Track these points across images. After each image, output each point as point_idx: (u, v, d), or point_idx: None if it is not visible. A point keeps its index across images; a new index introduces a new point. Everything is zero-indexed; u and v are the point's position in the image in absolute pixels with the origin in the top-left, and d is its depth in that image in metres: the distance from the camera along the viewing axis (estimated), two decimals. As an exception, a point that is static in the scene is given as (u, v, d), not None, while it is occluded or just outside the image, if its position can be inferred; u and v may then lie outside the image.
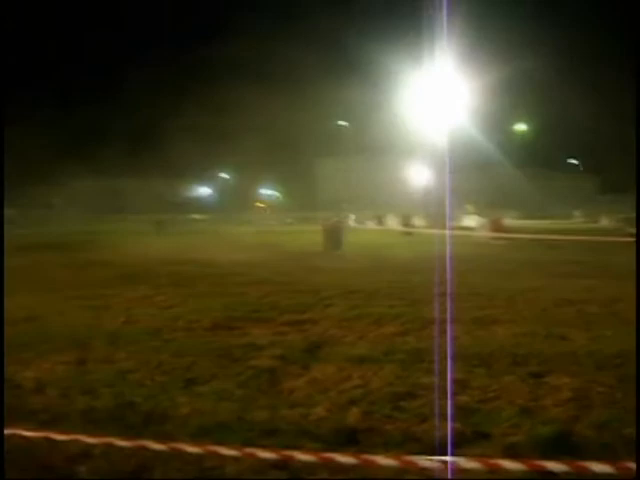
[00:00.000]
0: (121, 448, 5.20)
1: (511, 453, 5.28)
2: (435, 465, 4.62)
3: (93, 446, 5.44)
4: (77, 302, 14.25)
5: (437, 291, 13.22)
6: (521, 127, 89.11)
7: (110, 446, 5.27)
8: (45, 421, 6.44)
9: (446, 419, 6.15)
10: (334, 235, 32.10)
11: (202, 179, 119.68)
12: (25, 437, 5.49)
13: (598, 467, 4.28)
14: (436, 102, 44.52)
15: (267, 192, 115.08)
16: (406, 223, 46.97)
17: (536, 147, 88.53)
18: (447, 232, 31.04)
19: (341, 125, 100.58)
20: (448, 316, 11.09)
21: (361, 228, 48.01)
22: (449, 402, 6.68)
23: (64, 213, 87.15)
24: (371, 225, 54.84)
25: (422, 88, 48.12)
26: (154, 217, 57.39)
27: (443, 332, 9.85)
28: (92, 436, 5.24)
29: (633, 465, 4.33)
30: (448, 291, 13.18)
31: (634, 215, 57.15)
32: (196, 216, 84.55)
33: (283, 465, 5.12)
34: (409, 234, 43.60)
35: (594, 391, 7.19)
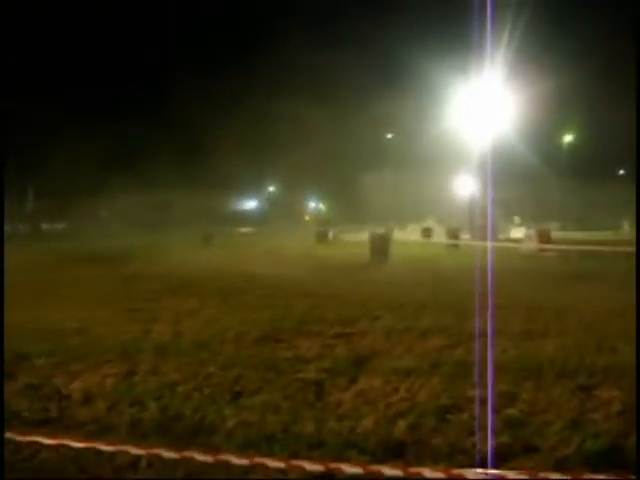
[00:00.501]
0: (168, 459, 5.22)
1: (560, 467, 5.22)
2: (483, 478, 4.58)
3: (140, 457, 5.48)
4: (126, 314, 14.36)
5: (484, 304, 13.14)
6: (568, 138, 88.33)
7: (157, 457, 5.30)
8: (93, 432, 6.50)
9: (493, 432, 6.10)
10: (380, 247, 32.09)
11: (249, 192, 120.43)
12: (73, 448, 5.54)
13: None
14: (483, 114, 44.34)
15: (313, 205, 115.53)
16: (452, 235, 46.76)
17: (584, 158, 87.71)
18: (493, 244, 30.86)
19: (388, 137, 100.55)
20: (495, 329, 11.03)
21: (407, 240, 47.82)
22: (496, 415, 6.63)
23: (112, 226, 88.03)
24: (417, 237, 54.70)
25: (470, 100, 47.96)
26: (202, 230, 57.68)
27: (490, 345, 9.79)
28: (139, 447, 5.27)
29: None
30: (495, 303, 13.10)
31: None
32: (243, 229, 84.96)
33: (329, 477, 5.11)
34: (455, 246, 43.42)
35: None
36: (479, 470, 4.91)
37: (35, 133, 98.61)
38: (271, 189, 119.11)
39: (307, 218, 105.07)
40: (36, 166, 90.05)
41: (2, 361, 5.43)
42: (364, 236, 39.41)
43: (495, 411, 6.76)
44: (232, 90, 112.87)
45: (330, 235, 59.76)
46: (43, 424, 6.84)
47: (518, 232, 51.68)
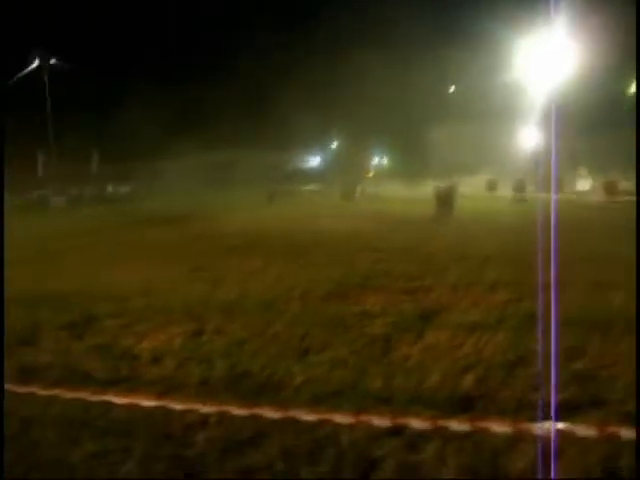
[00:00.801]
0: (237, 416, 5.27)
1: (627, 421, 5.15)
2: (549, 431, 4.54)
3: (209, 415, 5.54)
4: (192, 274, 14.49)
5: (551, 256, 12.96)
6: (633, 88, 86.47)
7: (226, 414, 5.35)
8: (162, 391, 6.58)
9: (560, 386, 6.04)
10: (446, 201, 31.88)
11: (313, 149, 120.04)
12: (143, 407, 5.62)
13: None
14: (548, 64, 43.54)
15: (377, 160, 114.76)
16: (517, 188, 46.14)
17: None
18: (559, 196, 30.38)
19: (451, 90, 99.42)
20: (562, 281, 10.89)
21: (472, 193, 47.37)
22: (563, 369, 6.56)
23: (176, 186, 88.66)
24: (482, 190, 54.11)
25: (534, 50, 47.15)
26: (266, 188, 57.64)
27: (557, 298, 9.67)
28: (208, 405, 5.32)
29: None
30: (561, 256, 12.92)
31: None
32: (307, 186, 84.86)
33: (397, 432, 5.11)
34: (520, 199, 42.90)
35: None
36: (546, 424, 4.87)
37: (99, 96, 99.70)
38: (334, 145, 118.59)
39: (370, 174, 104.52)
40: (101, 129, 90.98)
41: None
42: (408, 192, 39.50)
43: (562, 365, 6.68)
44: (296, 46, 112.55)
45: (358, 190, 59.29)
46: (113, 384, 6.95)
47: (584, 184, 50.82)
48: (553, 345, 7.26)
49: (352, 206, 42.09)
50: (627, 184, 48.46)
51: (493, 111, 77.23)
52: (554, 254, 12.49)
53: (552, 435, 4.63)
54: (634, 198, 34.81)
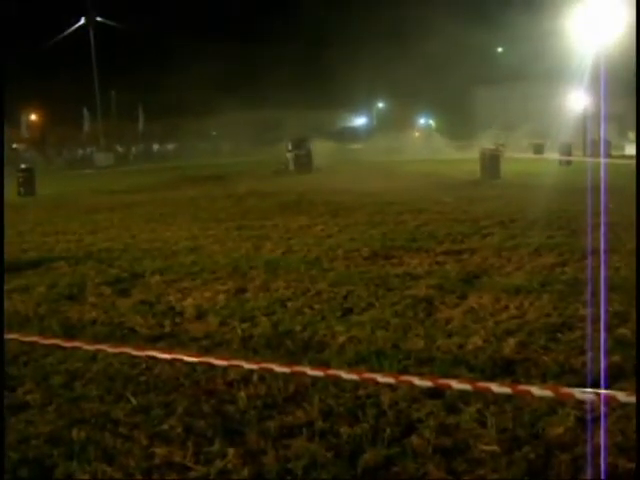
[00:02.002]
0: (279, 374, 5.31)
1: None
2: (591, 398, 4.52)
3: (252, 372, 5.58)
4: (238, 232, 14.57)
5: (597, 221, 12.85)
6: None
7: (268, 372, 5.39)
8: (206, 347, 6.64)
9: (604, 352, 6.01)
10: (491, 164, 31.59)
11: (360, 109, 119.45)
12: (187, 362, 5.68)
13: None
14: (597, 27, 42.83)
15: (423, 121, 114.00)
16: (564, 152, 45.51)
17: None
18: (607, 161, 29.98)
19: (499, 51, 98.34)
20: (609, 246, 10.80)
21: (518, 157, 46.95)
22: (608, 335, 6.51)
23: (223, 145, 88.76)
24: (529, 154, 53.50)
25: (583, 11, 46.33)
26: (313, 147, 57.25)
27: (603, 263, 9.59)
28: (251, 362, 5.36)
29: None
30: (609, 221, 12.81)
31: None
32: (353, 145, 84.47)
33: (438, 393, 5.12)
34: (568, 163, 42.35)
35: None
36: (589, 390, 4.85)
37: (145, 53, 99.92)
38: (381, 105, 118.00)
39: (417, 134, 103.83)
40: (146, 87, 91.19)
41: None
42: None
43: (606, 330, 6.64)
44: (341, 8, 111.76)
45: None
46: (158, 339, 7.03)
47: (633, 148, 50.02)
48: (598, 310, 7.23)
49: (397, 167, 41.86)
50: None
51: (542, 73, 76.35)
52: (604, 219, 12.38)
53: (594, 400, 4.61)
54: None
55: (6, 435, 4.70)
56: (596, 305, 7.46)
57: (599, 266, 9.36)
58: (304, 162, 42.44)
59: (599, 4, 42.08)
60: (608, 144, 47.26)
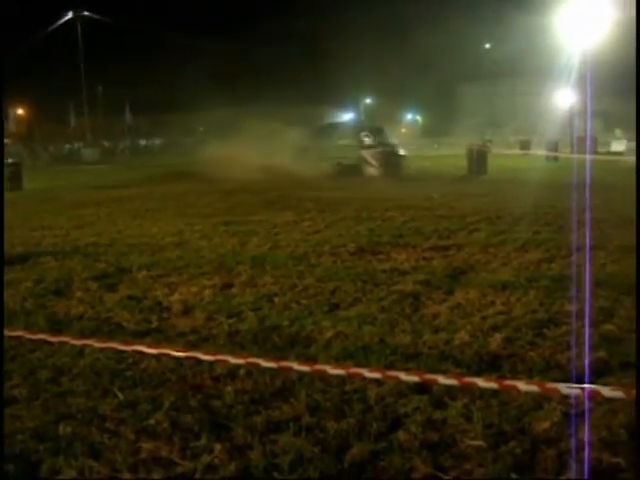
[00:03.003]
0: (266, 369, 5.32)
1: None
2: (577, 393, 4.55)
3: (238, 367, 5.59)
4: (223, 227, 14.55)
5: (583, 218, 12.89)
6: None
7: (255, 367, 5.40)
8: (193, 342, 6.65)
9: (589, 347, 6.04)
10: (478, 160, 31.66)
11: (347, 105, 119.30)
12: (174, 357, 5.69)
13: None
14: (584, 24, 42.92)
15: (410, 117, 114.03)
16: (551, 148, 45.57)
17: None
18: (593, 157, 30.02)
19: (487, 47, 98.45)
20: (594, 243, 10.84)
21: (505, 153, 46.97)
22: (593, 330, 6.55)
23: (209, 140, 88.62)
24: (515, 150, 53.58)
25: (573, 11, 46.40)
26: (298, 143, 56.85)
27: (588, 259, 9.64)
28: (238, 357, 5.37)
29: None
30: (594, 217, 12.86)
31: None
32: (340, 141, 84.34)
33: (424, 389, 5.14)
34: (554, 159, 42.39)
35: None
36: (574, 385, 4.87)
37: (132, 48, 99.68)
38: (368, 101, 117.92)
39: (403, 130, 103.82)
40: (134, 82, 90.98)
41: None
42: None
43: (592, 326, 6.68)
44: (330, 4, 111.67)
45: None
46: (144, 334, 7.03)
47: (620, 145, 50.16)
48: (584, 306, 7.27)
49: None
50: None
51: (529, 70, 76.57)
52: (589, 215, 12.42)
53: (579, 395, 4.64)
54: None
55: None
56: (582, 301, 7.49)
57: (585, 262, 9.40)
58: (394, 163, 31.73)
59: (586, 2, 42.19)
60: (594, 141, 47.38)
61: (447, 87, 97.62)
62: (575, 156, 37.75)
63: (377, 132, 34.91)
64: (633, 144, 40.89)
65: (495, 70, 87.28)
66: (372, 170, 31.39)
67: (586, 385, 4.85)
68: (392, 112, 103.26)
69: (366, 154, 32.49)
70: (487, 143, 38.91)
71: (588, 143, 41.13)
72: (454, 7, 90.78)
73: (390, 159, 31.64)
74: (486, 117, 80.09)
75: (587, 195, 14.81)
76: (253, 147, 34.49)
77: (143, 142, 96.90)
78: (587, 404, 4.76)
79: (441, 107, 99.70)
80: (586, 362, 5.68)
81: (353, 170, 31.75)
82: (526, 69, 76.40)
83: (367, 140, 33.76)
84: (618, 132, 59.27)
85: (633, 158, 35.31)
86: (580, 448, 4.32)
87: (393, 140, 36.26)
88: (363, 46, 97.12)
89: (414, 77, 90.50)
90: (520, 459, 4.25)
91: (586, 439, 4.43)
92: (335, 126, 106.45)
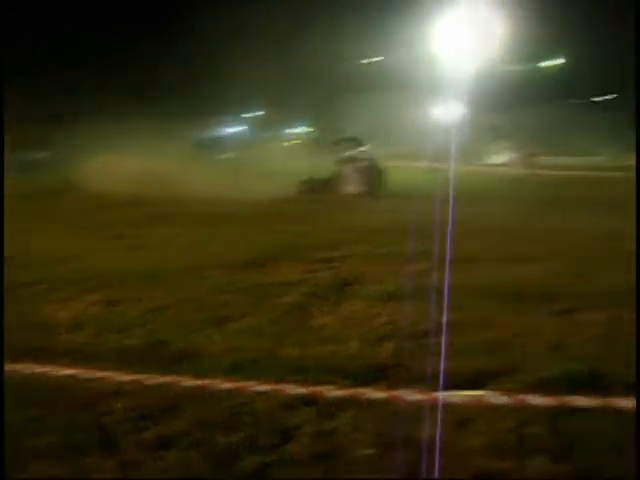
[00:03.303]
0: (153, 385, 5.30)
1: (539, 389, 5.31)
2: (462, 400, 4.68)
3: (126, 383, 5.55)
4: (110, 242, 14.37)
5: (465, 229, 13.15)
6: (555, 61, 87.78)
7: (142, 383, 5.37)
8: (81, 359, 6.55)
9: (472, 355, 6.21)
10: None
11: (234, 117, 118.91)
12: (59, 376, 5.61)
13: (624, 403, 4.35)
14: (467, 37, 43.92)
15: (301, 129, 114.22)
16: (433, 159, 46.29)
17: (571, 83, 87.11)
18: (473, 169, 30.68)
19: (371, 61, 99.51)
20: (473, 255, 11.11)
21: (388, 165, 47.65)
22: (476, 338, 6.73)
23: (91, 153, 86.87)
24: (401, 162, 54.21)
25: (454, 23, 47.39)
26: (180, 156, 56.11)
27: (470, 269, 9.89)
28: (126, 373, 5.33)
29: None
30: (472, 228, 13.16)
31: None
32: (224, 154, 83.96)
33: (314, 400, 5.19)
34: (435, 170, 43.12)
35: (623, 328, 7.22)
36: (459, 392, 5.01)
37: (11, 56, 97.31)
38: (256, 113, 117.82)
39: (296, 141, 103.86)
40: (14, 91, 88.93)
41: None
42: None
43: (474, 334, 6.86)
44: (210, 12, 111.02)
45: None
46: (29, 353, 6.89)
47: (501, 157, 51.49)
48: (465, 315, 7.47)
49: (275, 177, 41.89)
50: (550, 159, 49.36)
51: (416, 83, 77.71)
52: (452, 227, 12.55)
53: (463, 402, 4.77)
54: (556, 172, 35.53)
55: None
56: (463, 310, 7.68)
57: (466, 272, 9.63)
58: (375, 180, 27.70)
59: (472, 18, 43.20)
60: (476, 152, 48.62)
61: (335, 99, 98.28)
62: (454, 167, 38.48)
63: (355, 143, 30.85)
64: (515, 155, 42.14)
65: (384, 83, 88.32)
66: (352, 187, 27.53)
67: (471, 392, 5.00)
68: (277, 125, 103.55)
69: (346, 168, 28.54)
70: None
71: (470, 154, 42.10)
72: (344, 19, 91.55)
73: (373, 175, 27.88)
74: (373, 128, 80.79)
75: (451, 207, 14.96)
76: (136, 162, 33.79)
77: (24, 154, 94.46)
78: (471, 410, 4.90)
79: (328, 120, 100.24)
80: (469, 369, 5.83)
81: (324, 187, 27.67)
82: (413, 81, 77.52)
83: (346, 153, 29.54)
84: (501, 144, 60.75)
85: (516, 169, 36.39)
86: (466, 453, 4.44)
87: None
88: (249, 57, 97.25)
89: (302, 88, 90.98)
90: (410, 466, 4.33)
91: (471, 444, 4.56)
92: (217, 139, 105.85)
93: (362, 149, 29.97)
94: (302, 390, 4.70)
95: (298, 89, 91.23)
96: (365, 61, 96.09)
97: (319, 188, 27.30)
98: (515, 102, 73.20)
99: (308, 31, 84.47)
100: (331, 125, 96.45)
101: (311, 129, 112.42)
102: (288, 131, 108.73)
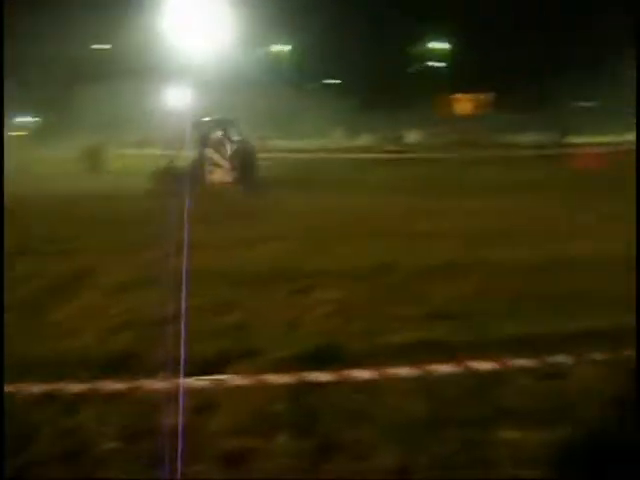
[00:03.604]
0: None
1: (279, 368, 5.43)
2: (204, 385, 4.72)
3: None
4: None
5: (192, 215, 13.12)
6: (280, 48, 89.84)
7: None
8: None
9: (213, 339, 6.27)
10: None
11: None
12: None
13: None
14: (194, 23, 44.05)
15: (26, 119, 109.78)
16: (165, 148, 45.91)
17: (296, 68, 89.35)
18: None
19: (102, 48, 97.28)
20: (204, 240, 11.15)
21: (123, 152, 46.98)
22: (216, 322, 6.81)
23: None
24: (133, 149, 53.48)
25: (183, 8, 47.40)
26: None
27: (203, 255, 9.94)
28: None
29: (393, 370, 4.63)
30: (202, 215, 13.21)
31: (392, 132, 59.21)
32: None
33: (53, 397, 5.04)
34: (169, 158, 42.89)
35: (355, 303, 7.55)
36: (202, 377, 5.06)
37: None
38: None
39: (21, 133, 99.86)
40: None
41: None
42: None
43: (215, 319, 6.95)
44: None
45: None
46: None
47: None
48: (205, 300, 7.53)
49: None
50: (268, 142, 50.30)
51: (150, 70, 76.86)
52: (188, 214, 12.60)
53: (208, 386, 4.81)
54: (279, 155, 36.28)
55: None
56: (202, 295, 7.74)
57: (200, 257, 9.67)
58: (250, 172, 23.63)
59: (203, 4, 43.43)
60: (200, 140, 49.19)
61: (62, 89, 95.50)
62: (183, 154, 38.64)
63: (227, 125, 26.14)
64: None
65: (114, 71, 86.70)
66: (219, 175, 24.16)
67: (213, 376, 5.06)
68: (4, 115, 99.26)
69: (212, 153, 24.72)
70: (102, 144, 38.65)
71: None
72: (71, 9, 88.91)
73: (248, 165, 23.89)
74: (105, 118, 79.22)
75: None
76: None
77: None
78: (216, 393, 4.95)
79: (59, 108, 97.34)
80: (210, 353, 5.89)
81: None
82: (147, 69, 76.72)
83: (212, 136, 25.10)
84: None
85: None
86: (211, 436, 4.49)
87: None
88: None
89: (24, 76, 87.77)
90: (156, 455, 4.30)
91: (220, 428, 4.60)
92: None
93: (231, 131, 25.55)
94: (41, 387, 4.55)
95: (23, 80, 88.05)
96: (94, 47, 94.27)
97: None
98: (245, 86, 74.16)
99: (35, 15, 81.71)
100: (63, 116, 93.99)
101: (40, 119, 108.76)
102: (15, 120, 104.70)
